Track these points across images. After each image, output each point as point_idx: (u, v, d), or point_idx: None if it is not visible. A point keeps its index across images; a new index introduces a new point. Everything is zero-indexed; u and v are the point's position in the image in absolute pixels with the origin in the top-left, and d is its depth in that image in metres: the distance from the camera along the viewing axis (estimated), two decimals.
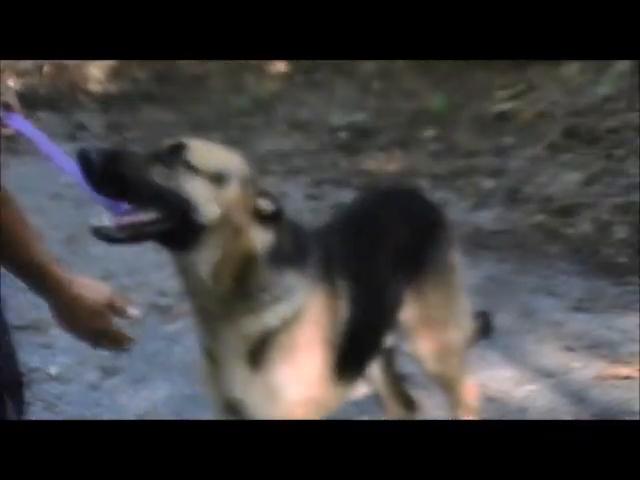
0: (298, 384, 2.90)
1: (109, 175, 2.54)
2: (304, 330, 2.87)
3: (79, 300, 2.43)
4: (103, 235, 2.53)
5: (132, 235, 2.60)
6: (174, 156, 2.61)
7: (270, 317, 2.76)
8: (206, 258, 2.66)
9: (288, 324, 2.80)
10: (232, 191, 2.66)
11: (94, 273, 5.67)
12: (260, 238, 2.69)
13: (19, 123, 2.67)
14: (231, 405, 2.91)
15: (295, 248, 2.85)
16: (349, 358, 3.04)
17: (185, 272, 2.71)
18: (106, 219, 2.55)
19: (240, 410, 2.90)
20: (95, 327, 2.52)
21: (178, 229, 2.62)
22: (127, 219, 2.59)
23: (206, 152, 2.72)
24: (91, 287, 2.48)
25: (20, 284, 2.46)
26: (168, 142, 2.72)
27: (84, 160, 2.47)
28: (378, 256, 3.27)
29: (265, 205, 2.65)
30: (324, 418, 3.08)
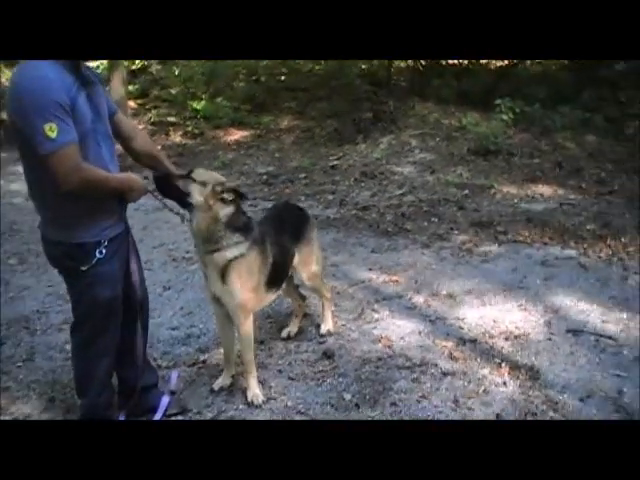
0: (244, 290, 3.34)
1: (161, 183, 3.16)
2: (246, 263, 3.31)
3: (135, 183, 2.89)
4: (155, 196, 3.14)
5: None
6: (187, 175, 3.19)
7: (228, 254, 3.24)
8: (196, 217, 3.19)
9: (237, 259, 3.26)
10: (208, 189, 3.17)
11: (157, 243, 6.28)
12: (221, 212, 3.20)
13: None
14: (215, 298, 3.41)
15: (243, 223, 3.31)
16: (274, 279, 3.59)
17: (190, 223, 3.24)
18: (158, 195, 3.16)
19: (220, 302, 3.40)
20: (141, 193, 2.94)
21: (184, 203, 3.19)
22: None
23: (200, 173, 3.23)
24: (135, 178, 2.93)
25: None
26: (188, 169, 3.30)
27: (156, 180, 3.15)
28: (282, 233, 3.75)
29: (227, 196, 3.21)
30: (318, 419, 3.05)
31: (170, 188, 3.16)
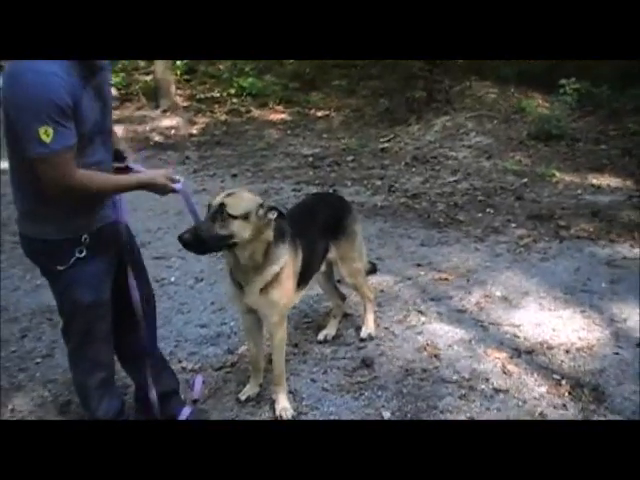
0: (284, 296, 3.17)
1: (194, 241, 2.77)
2: (287, 270, 3.14)
3: (152, 179, 2.62)
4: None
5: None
6: (221, 213, 2.78)
7: (275, 268, 3.06)
8: (243, 252, 2.93)
9: (282, 268, 3.09)
10: (253, 219, 2.85)
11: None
12: (271, 232, 2.97)
13: (183, 189, 2.70)
14: (250, 310, 3.24)
15: (284, 231, 3.11)
16: (304, 277, 3.40)
17: (233, 257, 2.98)
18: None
19: (255, 312, 3.24)
20: (162, 189, 2.64)
21: (228, 246, 2.87)
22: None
23: (235, 204, 2.82)
24: (154, 171, 2.71)
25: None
26: (216, 202, 2.83)
27: (180, 240, 2.77)
28: (311, 225, 3.53)
29: (272, 215, 2.90)
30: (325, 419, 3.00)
31: (208, 241, 2.79)
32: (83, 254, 2.57)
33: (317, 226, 3.59)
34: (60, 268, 2.56)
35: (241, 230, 2.82)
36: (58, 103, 2.24)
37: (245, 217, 2.82)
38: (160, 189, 2.65)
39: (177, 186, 2.67)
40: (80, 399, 2.98)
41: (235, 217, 2.79)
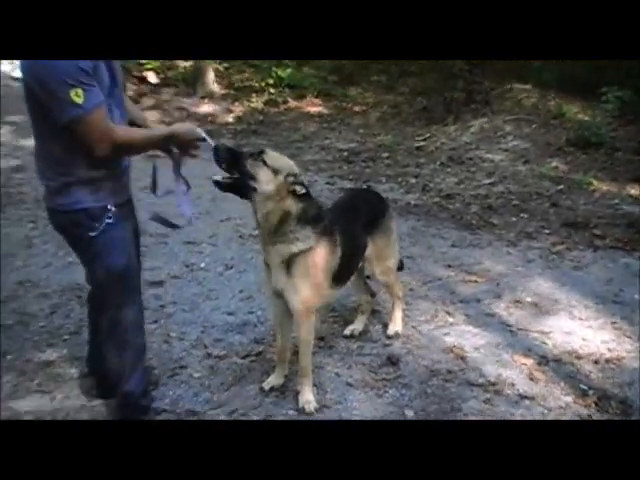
0: (309, 286, 3.13)
1: (225, 159, 2.86)
2: (314, 257, 3.10)
3: (181, 125, 2.79)
4: (218, 185, 2.90)
5: (228, 190, 2.93)
6: (258, 155, 2.90)
7: (293, 248, 3.04)
8: (261, 207, 2.94)
9: (303, 253, 3.05)
10: (280, 178, 2.90)
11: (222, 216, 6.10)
12: (293, 206, 2.97)
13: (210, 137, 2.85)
14: (277, 293, 3.20)
15: (313, 216, 3.08)
16: (342, 274, 3.38)
17: (253, 213, 3.01)
18: (220, 178, 2.88)
19: (281, 296, 3.19)
20: (190, 134, 2.77)
21: (245, 187, 2.90)
22: (228, 180, 2.89)
23: (274, 157, 2.94)
24: (183, 125, 2.82)
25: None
26: (258, 149, 3.04)
27: (215, 149, 2.85)
28: (354, 222, 3.52)
29: (299, 189, 2.95)
30: (331, 419, 2.94)
31: (233, 163, 2.86)
32: (112, 220, 2.70)
33: (358, 223, 3.57)
34: (92, 234, 2.67)
35: (264, 179, 2.89)
36: (81, 65, 2.32)
37: (275, 172, 2.90)
38: (189, 136, 2.73)
39: (203, 135, 2.79)
40: (109, 373, 3.00)
41: (266, 164, 2.88)
